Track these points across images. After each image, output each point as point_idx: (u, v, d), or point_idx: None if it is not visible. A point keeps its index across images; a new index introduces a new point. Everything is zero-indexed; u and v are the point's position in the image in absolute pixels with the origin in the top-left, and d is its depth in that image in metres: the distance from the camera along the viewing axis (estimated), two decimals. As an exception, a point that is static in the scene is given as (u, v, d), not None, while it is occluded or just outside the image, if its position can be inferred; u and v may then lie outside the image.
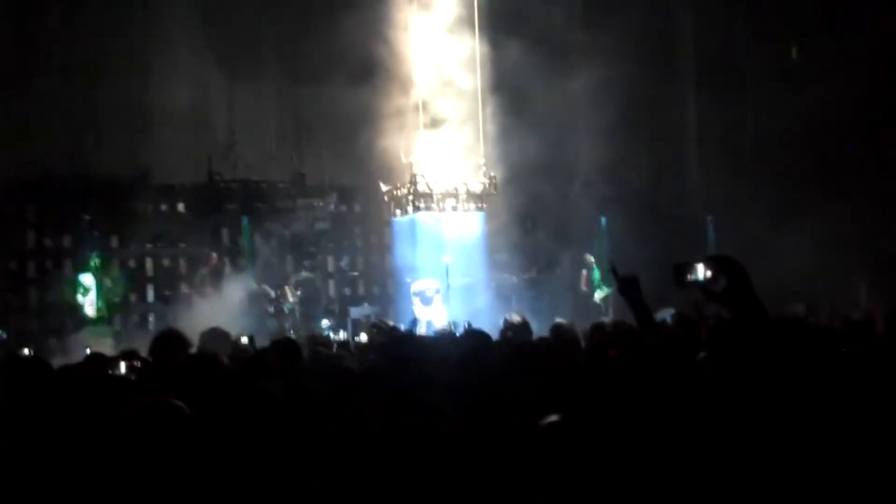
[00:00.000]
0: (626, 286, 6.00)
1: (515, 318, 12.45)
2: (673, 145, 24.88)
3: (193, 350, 9.37)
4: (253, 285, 22.23)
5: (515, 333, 11.53)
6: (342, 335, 19.49)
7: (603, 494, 4.17)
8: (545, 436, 4.31)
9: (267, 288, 22.22)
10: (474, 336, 8.10)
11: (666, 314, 13.52)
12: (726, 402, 4.64)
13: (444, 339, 9.81)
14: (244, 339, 11.76)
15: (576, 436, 4.27)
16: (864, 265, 22.94)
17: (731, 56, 24.86)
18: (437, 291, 20.84)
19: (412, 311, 20.27)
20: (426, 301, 20.82)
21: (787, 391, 4.56)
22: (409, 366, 6.28)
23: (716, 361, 5.05)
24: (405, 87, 22.16)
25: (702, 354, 5.64)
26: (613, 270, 6.20)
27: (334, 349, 11.45)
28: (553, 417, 4.38)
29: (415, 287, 20.91)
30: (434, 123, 22.05)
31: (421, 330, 18.55)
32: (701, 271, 4.69)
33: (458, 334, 11.53)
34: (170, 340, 8.60)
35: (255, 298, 21.91)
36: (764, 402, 4.53)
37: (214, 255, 22.50)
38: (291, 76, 22.54)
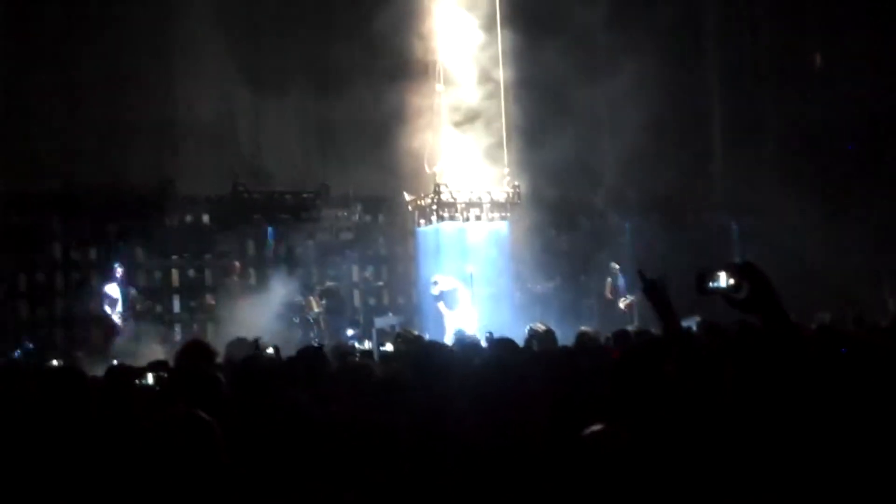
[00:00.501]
0: (651, 288, 6.00)
1: (540, 327, 12.45)
2: (699, 151, 24.81)
3: (219, 360, 9.42)
4: (278, 295, 22.28)
5: (540, 342, 11.53)
6: (367, 345, 19.52)
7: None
8: (589, 445, 4.30)
9: (293, 298, 22.26)
10: (500, 345, 8.10)
11: (691, 322, 13.50)
12: (751, 409, 4.62)
13: (470, 349, 9.80)
14: (270, 350, 11.80)
15: (620, 444, 4.26)
16: (892, 273, 22.83)
17: (760, 61, 24.79)
18: (456, 291, 20.90)
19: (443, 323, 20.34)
20: (451, 304, 20.86)
21: (812, 399, 4.54)
22: (436, 376, 6.28)
23: (740, 368, 5.03)
24: (429, 96, 22.20)
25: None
26: (641, 274, 6.20)
27: (357, 358, 11.47)
28: (596, 427, 4.38)
29: (434, 290, 20.97)
30: (458, 133, 22.09)
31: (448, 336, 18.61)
32: (723, 279, 4.66)
33: (483, 344, 11.55)
34: (195, 350, 8.63)
35: (281, 308, 21.97)
36: (788, 410, 4.51)
37: (237, 263, 22.59)
38: (316, 87, 22.58)
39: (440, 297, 21.06)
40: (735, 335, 6.30)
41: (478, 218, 22.35)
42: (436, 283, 21.18)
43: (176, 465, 4.34)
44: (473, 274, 21.27)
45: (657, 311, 5.95)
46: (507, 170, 22.03)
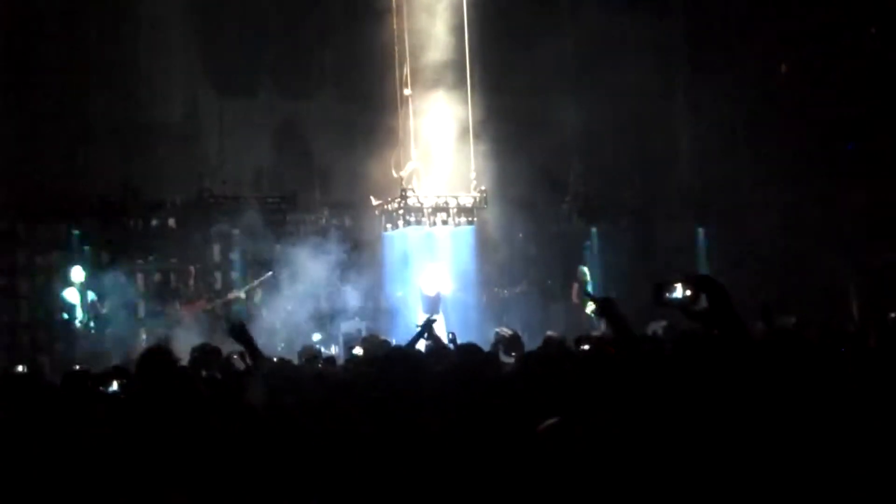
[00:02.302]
0: (603, 307, 6.11)
1: (506, 332, 12.45)
2: (666, 157, 24.90)
3: (182, 365, 9.35)
4: (241, 300, 22.23)
5: (506, 347, 11.52)
6: (333, 349, 19.48)
7: (600, 497, 4.16)
8: (544, 438, 4.29)
9: (255, 302, 22.22)
10: (465, 350, 8.09)
11: (657, 326, 13.53)
12: (708, 415, 4.63)
13: (436, 353, 9.78)
14: (235, 355, 11.72)
15: (575, 437, 4.26)
16: (856, 277, 22.97)
17: (727, 65, 24.87)
18: (439, 298, 20.94)
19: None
20: (433, 309, 20.86)
21: (774, 406, 4.56)
22: (401, 380, 6.26)
23: (684, 375, 5.06)
24: (395, 102, 22.19)
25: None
26: (589, 296, 6.42)
27: (320, 364, 11.43)
28: (551, 420, 4.37)
29: (423, 292, 21.01)
30: (424, 137, 22.09)
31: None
32: (679, 290, 4.69)
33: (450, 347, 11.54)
34: (156, 357, 8.54)
35: (245, 312, 21.90)
36: (750, 414, 4.52)
37: (192, 268, 22.50)
38: (282, 92, 22.54)
39: (427, 300, 21.09)
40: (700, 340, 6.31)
41: (444, 222, 22.32)
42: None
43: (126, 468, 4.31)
44: (440, 278, 21.28)
45: (612, 327, 6.04)
46: (473, 174, 22.01)
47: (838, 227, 22.87)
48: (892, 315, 15.36)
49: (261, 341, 19.52)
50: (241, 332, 6.19)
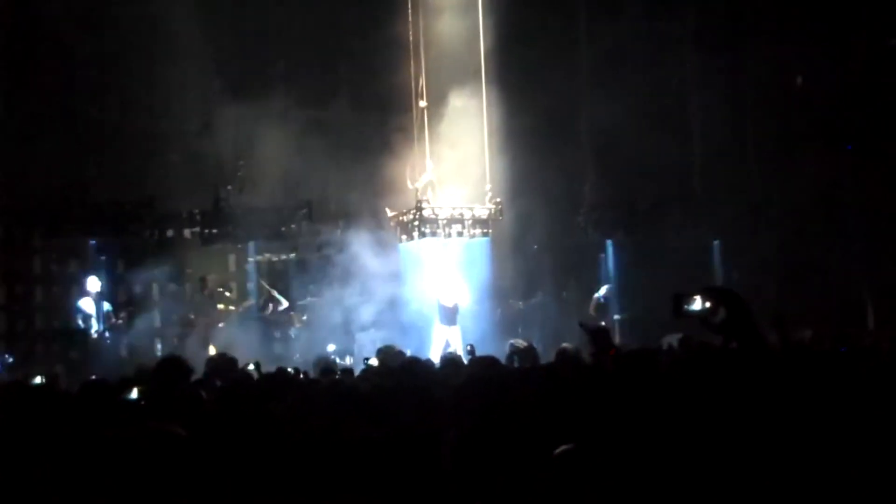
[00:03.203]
0: (596, 338, 6.14)
1: (521, 344, 12.46)
2: (680, 169, 24.85)
3: (197, 376, 9.39)
4: (257, 310, 22.30)
5: (521, 359, 11.53)
6: (348, 360, 19.50)
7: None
8: (559, 465, 4.30)
9: (272, 313, 22.27)
10: (482, 362, 8.12)
11: (673, 339, 13.52)
12: (726, 428, 4.63)
13: (452, 366, 9.80)
14: (251, 366, 11.76)
15: (590, 464, 4.26)
16: (871, 291, 22.91)
17: (737, 77, 24.85)
18: (457, 309, 20.96)
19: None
20: (451, 320, 20.89)
21: (789, 418, 4.56)
22: (418, 392, 6.28)
23: (712, 388, 5.05)
24: (411, 114, 22.25)
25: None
26: (582, 325, 6.39)
27: (337, 375, 11.44)
28: (566, 447, 4.37)
29: (438, 305, 21.02)
30: (441, 149, 22.14)
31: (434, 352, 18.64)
32: (698, 303, 4.69)
33: (465, 359, 11.55)
34: (172, 367, 8.60)
35: (261, 324, 21.97)
36: (766, 428, 4.52)
37: (209, 278, 22.54)
38: (299, 101, 22.55)
39: (442, 311, 21.11)
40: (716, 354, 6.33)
41: (459, 234, 22.36)
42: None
43: (145, 479, 4.32)
44: (457, 290, 21.30)
45: (597, 355, 6.07)
46: (488, 186, 22.04)
47: (853, 237, 22.83)
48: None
49: (277, 352, 19.66)
50: (599, 335, 6.07)
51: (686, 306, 4.71)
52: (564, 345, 12.61)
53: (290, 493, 5.19)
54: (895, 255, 22.42)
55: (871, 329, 20.75)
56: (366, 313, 21.97)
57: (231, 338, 20.90)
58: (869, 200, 22.94)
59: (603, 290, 23.78)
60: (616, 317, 23.51)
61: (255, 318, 22.30)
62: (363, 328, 21.80)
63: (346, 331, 22.15)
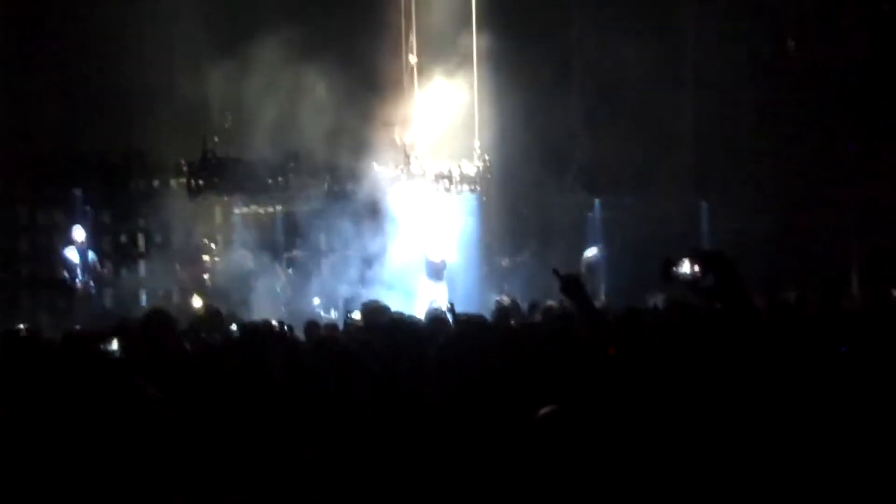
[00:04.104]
0: (568, 286, 6.07)
1: (506, 301, 12.47)
2: (667, 129, 24.78)
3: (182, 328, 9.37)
4: (244, 263, 22.22)
5: (506, 315, 11.53)
6: (333, 314, 19.48)
7: (598, 485, 4.15)
8: (541, 427, 4.28)
9: (258, 266, 22.22)
10: (466, 322, 8.10)
11: (658, 299, 13.55)
12: (714, 391, 4.62)
13: (439, 324, 9.78)
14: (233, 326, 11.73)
15: (571, 426, 4.25)
16: (858, 256, 22.94)
17: (731, 41, 24.74)
18: (444, 265, 20.94)
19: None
20: (437, 276, 20.86)
21: (775, 382, 4.55)
22: (403, 350, 6.26)
23: (703, 352, 5.04)
24: (401, 67, 22.14)
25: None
26: (556, 272, 6.28)
27: (322, 330, 11.42)
28: (547, 409, 4.36)
29: (425, 261, 20.98)
30: (430, 104, 22.05)
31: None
32: (688, 266, 4.66)
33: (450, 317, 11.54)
34: (157, 320, 8.55)
35: (246, 276, 21.91)
36: (752, 392, 4.51)
37: (196, 230, 22.41)
38: (288, 54, 22.38)
39: (430, 267, 21.08)
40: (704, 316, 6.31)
41: (447, 190, 22.33)
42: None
43: (120, 438, 4.30)
44: (442, 246, 21.27)
45: (577, 305, 6.01)
46: (477, 143, 21.97)
47: (842, 203, 22.85)
48: (894, 292, 15.37)
49: (262, 305, 19.69)
50: (572, 286, 6.00)
51: (675, 269, 4.67)
52: (550, 302, 12.62)
53: (272, 449, 5.18)
54: (884, 220, 22.44)
55: (855, 293, 20.80)
56: (351, 267, 21.93)
57: (216, 290, 20.90)
58: (860, 164, 22.93)
59: (594, 251, 23.71)
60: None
61: (240, 269, 22.22)
62: (348, 282, 21.75)
63: (332, 284, 22.12)
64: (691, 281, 4.63)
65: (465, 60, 21.97)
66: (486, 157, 21.92)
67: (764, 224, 22.62)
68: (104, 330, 8.33)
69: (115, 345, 7.08)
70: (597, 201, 24.81)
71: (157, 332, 8.22)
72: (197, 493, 4.41)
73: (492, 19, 22.12)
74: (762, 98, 24.30)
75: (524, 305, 14.59)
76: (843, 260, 22.86)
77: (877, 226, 22.49)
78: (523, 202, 24.03)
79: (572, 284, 6.07)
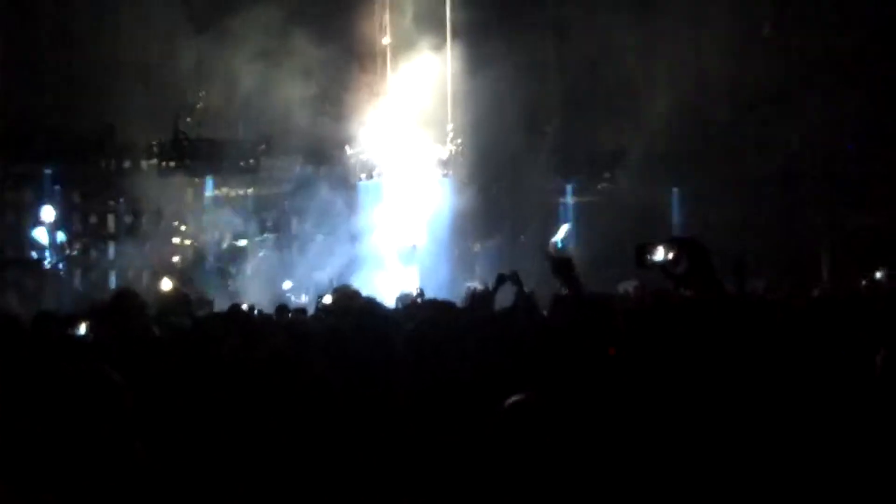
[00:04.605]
0: (559, 268, 6.09)
1: (477, 286, 12.44)
2: (640, 115, 24.80)
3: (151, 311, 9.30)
4: (213, 245, 22.18)
5: (477, 301, 11.49)
6: (304, 298, 19.43)
7: (568, 475, 4.14)
8: (509, 416, 4.26)
9: (227, 248, 22.17)
10: (436, 307, 8.08)
11: (629, 285, 13.55)
12: (687, 379, 4.62)
13: (410, 309, 9.78)
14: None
15: (541, 415, 4.22)
16: (828, 243, 23.05)
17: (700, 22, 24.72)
18: (415, 250, 20.96)
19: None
20: (407, 260, 20.90)
21: (748, 370, 4.55)
22: (374, 335, 6.24)
23: (677, 339, 5.03)
24: (373, 50, 22.10)
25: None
26: (547, 253, 6.41)
27: (290, 315, 11.37)
28: (516, 397, 4.33)
29: (396, 245, 21.01)
30: (402, 87, 22.01)
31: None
32: (661, 253, 4.65)
33: (419, 301, 11.53)
34: (126, 301, 8.46)
35: (217, 258, 21.86)
36: (725, 380, 4.52)
37: (165, 211, 22.25)
38: (261, 36, 22.26)
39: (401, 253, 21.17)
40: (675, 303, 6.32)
41: (419, 174, 22.32)
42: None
43: (74, 423, 4.25)
44: (414, 229, 21.31)
45: (567, 287, 6.02)
46: (450, 126, 21.94)
47: (813, 188, 22.95)
48: (863, 282, 15.48)
49: (231, 288, 19.61)
50: (563, 267, 6.06)
51: (648, 256, 4.66)
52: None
53: (241, 433, 5.15)
54: (852, 207, 22.57)
55: (825, 280, 20.92)
56: (323, 251, 21.88)
57: (186, 272, 20.82)
58: (829, 152, 23.01)
59: (561, 233, 23.77)
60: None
61: (210, 252, 22.17)
62: (319, 266, 21.70)
63: (303, 268, 22.08)
64: (665, 267, 4.63)
65: (438, 43, 21.93)
66: (459, 141, 21.88)
67: (734, 210, 22.68)
68: (74, 313, 8.27)
69: (84, 328, 7.02)
70: (569, 185, 24.88)
71: (125, 313, 8.14)
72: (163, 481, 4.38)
73: (466, 3, 22.09)
74: (737, 86, 24.31)
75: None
76: (813, 246, 22.97)
77: (847, 211, 22.62)
78: (496, 187, 24.02)
79: (563, 266, 6.09)
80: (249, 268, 21.93)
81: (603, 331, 5.70)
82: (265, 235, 23.15)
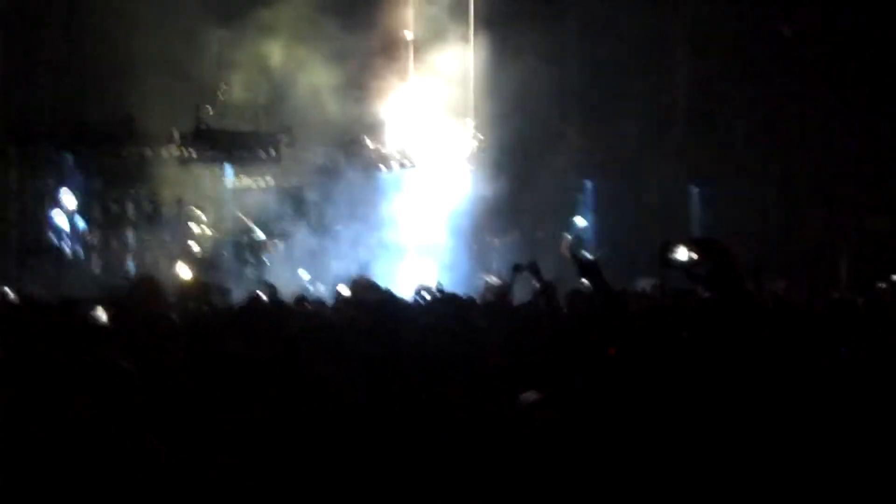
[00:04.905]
0: (586, 270, 6.13)
1: (494, 281, 12.47)
2: (661, 115, 24.75)
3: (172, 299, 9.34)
4: (234, 234, 22.21)
5: (494, 296, 11.52)
6: (321, 288, 19.43)
7: (581, 472, 4.15)
8: (525, 414, 4.28)
9: (248, 237, 22.19)
10: (455, 303, 8.11)
11: (647, 283, 13.55)
12: (707, 380, 4.61)
13: (429, 304, 9.79)
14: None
15: (556, 414, 4.24)
16: (847, 246, 22.95)
17: (723, 25, 24.63)
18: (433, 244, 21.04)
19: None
20: (426, 253, 20.95)
21: (768, 371, 4.55)
22: (392, 329, 6.26)
23: (698, 339, 5.03)
24: (398, 39, 22.11)
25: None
26: (575, 256, 6.48)
27: (309, 306, 11.35)
28: (533, 396, 4.35)
29: (416, 237, 21.08)
30: (425, 81, 22.03)
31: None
32: (683, 253, 4.65)
33: (438, 295, 11.53)
34: (147, 288, 8.51)
35: (236, 247, 21.89)
36: (744, 381, 4.51)
37: (185, 199, 22.23)
38: (285, 28, 22.26)
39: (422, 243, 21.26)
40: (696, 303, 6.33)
41: (439, 168, 22.34)
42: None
43: (87, 413, 4.27)
44: (435, 223, 21.40)
45: (595, 289, 6.05)
46: (472, 122, 21.94)
47: (832, 191, 22.86)
48: (881, 285, 15.38)
49: (250, 276, 19.63)
50: (591, 269, 6.15)
51: (671, 255, 4.66)
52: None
53: (253, 425, 5.16)
54: (873, 208, 22.49)
55: (843, 284, 20.83)
56: (342, 242, 21.89)
57: (204, 260, 20.85)
58: (851, 153, 22.90)
59: (574, 228, 23.88)
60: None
61: (229, 241, 22.19)
62: (338, 256, 21.71)
63: (321, 258, 22.09)
64: (687, 267, 4.63)
65: (461, 37, 21.94)
66: (480, 137, 21.88)
67: (754, 210, 22.64)
68: (93, 298, 8.30)
69: (102, 314, 7.05)
70: (588, 183, 24.84)
71: (145, 301, 8.19)
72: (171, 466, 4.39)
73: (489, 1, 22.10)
74: (756, 84, 24.23)
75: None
76: (832, 247, 22.88)
77: (867, 213, 22.54)
78: (515, 182, 23.99)
79: (591, 269, 6.16)
80: (268, 257, 21.96)
81: (614, 328, 5.71)
82: (284, 224, 23.17)
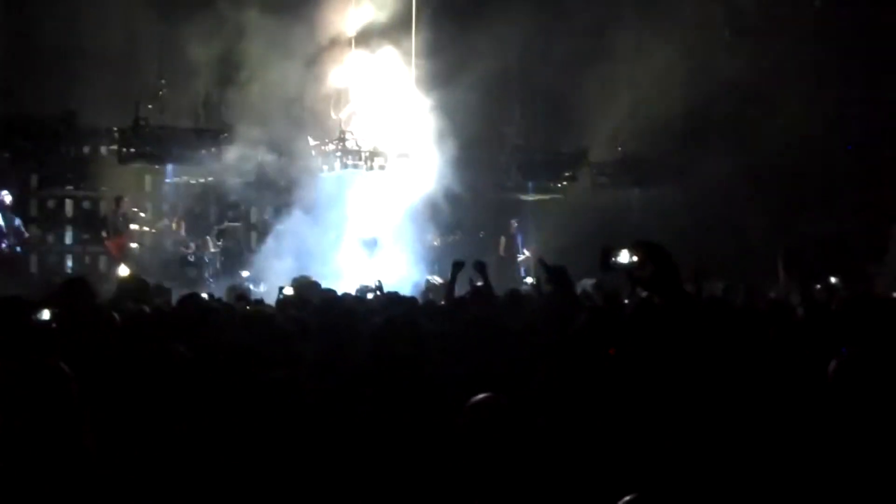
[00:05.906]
0: (555, 276, 6.23)
1: (436, 280, 12.49)
2: (604, 119, 24.88)
3: (100, 300, 9.23)
4: (173, 233, 22.07)
5: (436, 295, 11.55)
6: (262, 287, 19.37)
7: (529, 474, 4.16)
8: (472, 414, 4.28)
9: (187, 236, 22.08)
10: (400, 302, 8.13)
11: (587, 283, 13.64)
12: (647, 381, 4.65)
13: (375, 304, 9.80)
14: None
15: (504, 414, 4.25)
16: (784, 247, 23.17)
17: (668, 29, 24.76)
18: (376, 243, 21.00)
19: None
20: (369, 252, 20.94)
21: (709, 371, 4.60)
22: (338, 329, 6.25)
23: (638, 341, 5.06)
24: (340, 41, 22.09)
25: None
26: (542, 262, 6.53)
27: (248, 307, 11.29)
28: (480, 396, 4.35)
29: (360, 236, 21.03)
30: (366, 80, 22.04)
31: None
32: (626, 256, 4.70)
33: (379, 294, 11.54)
34: (76, 289, 8.36)
35: (176, 246, 21.75)
36: (683, 381, 4.56)
37: (125, 198, 22.02)
38: (224, 24, 22.11)
39: (365, 243, 21.22)
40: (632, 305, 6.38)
41: (382, 167, 22.33)
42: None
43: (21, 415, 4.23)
44: (374, 222, 21.38)
45: (562, 294, 6.12)
46: (413, 120, 21.96)
47: (770, 194, 23.09)
48: (817, 286, 15.57)
49: (190, 275, 19.48)
50: (560, 275, 6.24)
51: (613, 259, 4.71)
52: (479, 283, 12.69)
53: (195, 428, 5.12)
54: (810, 211, 22.74)
55: (780, 285, 21.04)
56: (282, 241, 21.80)
57: (144, 259, 20.70)
58: (788, 154, 23.12)
59: (511, 229, 24.09)
60: (521, 255, 23.88)
61: (169, 240, 22.05)
62: (279, 256, 21.63)
63: (262, 258, 22.00)
64: (629, 270, 4.68)
65: (403, 36, 21.97)
66: (422, 136, 21.91)
67: (693, 213, 22.81)
68: (37, 299, 8.18)
69: (47, 314, 6.95)
70: (530, 184, 24.98)
71: (76, 300, 8.06)
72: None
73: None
74: (694, 86, 24.39)
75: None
76: (769, 250, 23.11)
77: (805, 215, 22.79)
78: (458, 182, 24.04)
79: (559, 275, 6.26)
80: (207, 256, 21.84)
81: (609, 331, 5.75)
82: (225, 224, 23.06)
